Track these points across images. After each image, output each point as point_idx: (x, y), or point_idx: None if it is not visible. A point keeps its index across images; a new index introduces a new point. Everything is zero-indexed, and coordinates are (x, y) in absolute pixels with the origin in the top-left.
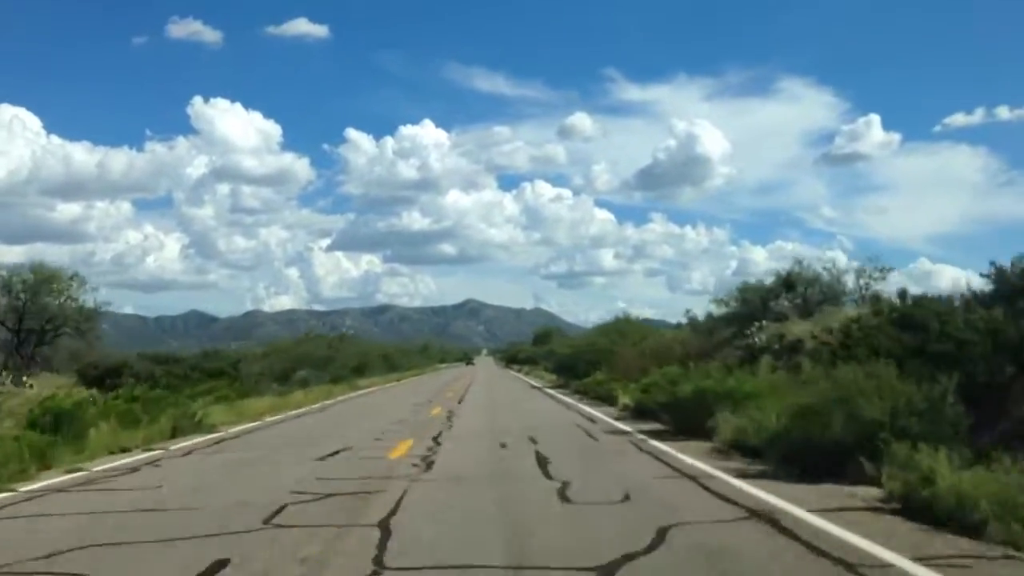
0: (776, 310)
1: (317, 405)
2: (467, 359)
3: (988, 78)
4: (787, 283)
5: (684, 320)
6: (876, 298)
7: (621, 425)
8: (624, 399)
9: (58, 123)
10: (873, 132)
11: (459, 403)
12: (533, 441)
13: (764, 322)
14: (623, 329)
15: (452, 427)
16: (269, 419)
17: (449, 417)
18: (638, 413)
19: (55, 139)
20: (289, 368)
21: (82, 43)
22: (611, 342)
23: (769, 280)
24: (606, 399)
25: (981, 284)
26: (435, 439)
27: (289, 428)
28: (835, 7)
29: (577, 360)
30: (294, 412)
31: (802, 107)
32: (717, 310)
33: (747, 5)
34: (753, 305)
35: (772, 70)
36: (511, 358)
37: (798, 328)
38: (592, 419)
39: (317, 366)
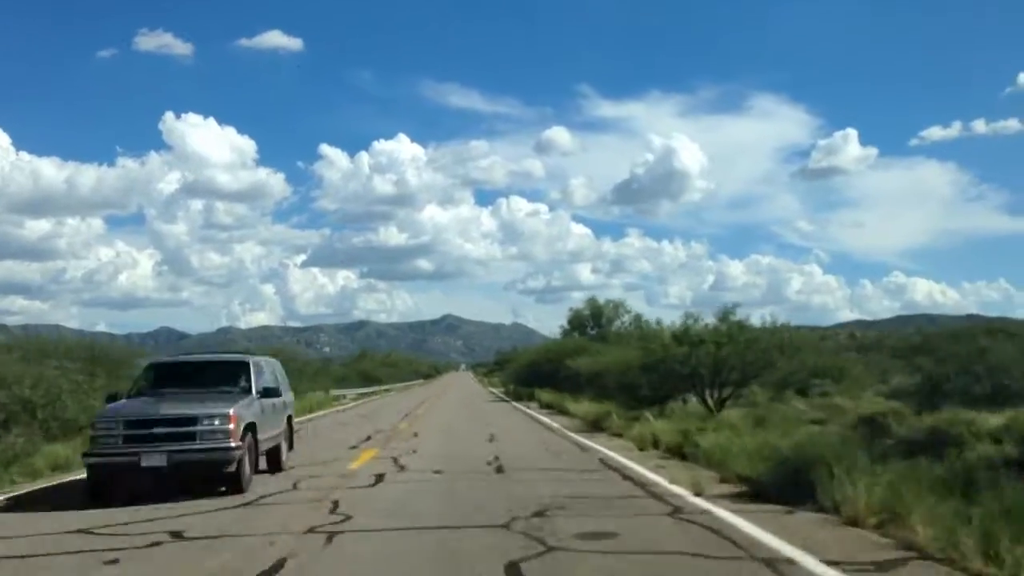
0: None
1: None
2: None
3: (964, 91)
4: None
5: None
6: None
7: None
8: None
9: (26, 139)
10: (850, 147)
11: None
12: None
13: None
14: None
15: None
16: None
17: None
18: None
19: (24, 155)
20: None
21: (47, 57)
22: None
23: None
24: None
25: None
26: None
27: None
28: (805, 25)
29: None
30: None
31: (775, 123)
32: None
33: (717, 23)
34: None
35: (744, 87)
36: (523, 378)
37: None
38: None
39: None
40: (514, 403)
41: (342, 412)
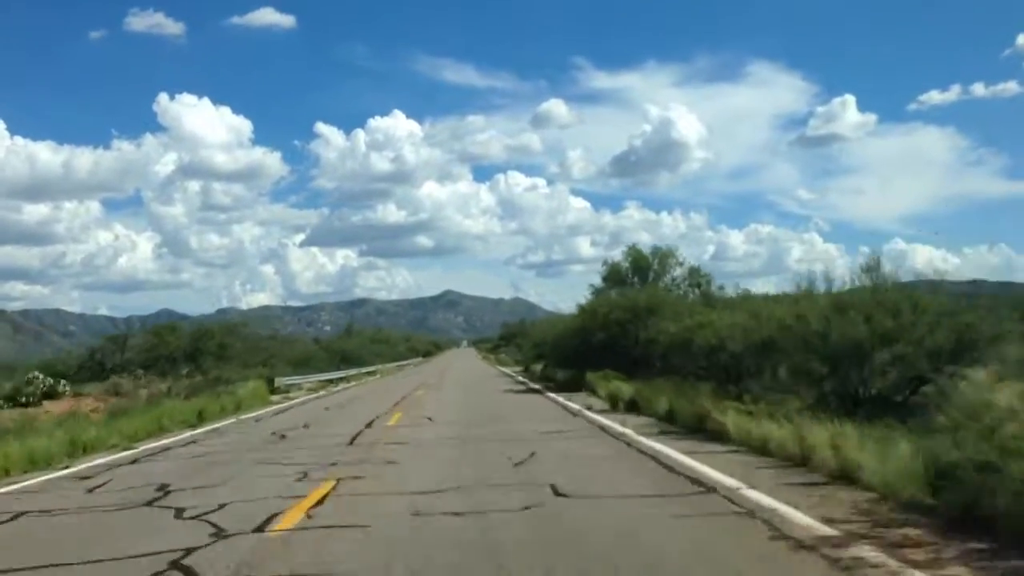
0: None
1: None
2: None
3: (963, 53)
4: None
5: None
6: None
7: None
8: None
9: (21, 124)
10: (848, 113)
11: None
12: None
13: None
14: None
15: None
16: None
17: None
18: None
19: (19, 140)
20: None
21: (39, 40)
22: None
23: None
24: None
25: None
26: None
27: None
28: None
29: None
30: None
31: (771, 91)
32: None
33: None
34: None
35: (740, 55)
36: (563, 356)
37: None
38: None
39: None
40: (552, 396)
41: (254, 423)
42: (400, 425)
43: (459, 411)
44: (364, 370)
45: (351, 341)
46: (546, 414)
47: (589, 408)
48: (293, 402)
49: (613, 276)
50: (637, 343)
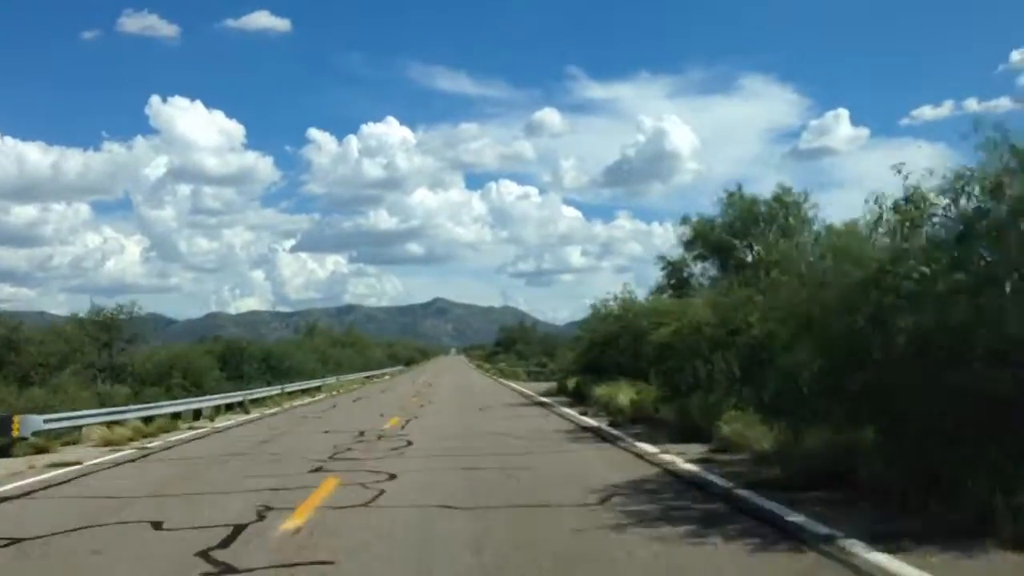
0: None
1: None
2: None
3: (956, 69)
4: None
5: None
6: None
7: None
8: None
9: (11, 124)
10: (841, 127)
11: None
12: None
13: None
14: None
15: None
16: None
17: None
18: None
19: (8, 140)
20: None
21: (30, 38)
22: None
23: None
24: None
25: None
26: None
27: None
28: (793, 4)
29: None
30: None
31: (764, 104)
32: None
33: (705, 4)
34: None
35: (733, 68)
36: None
37: None
38: None
39: None
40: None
41: None
42: None
43: None
44: (292, 388)
45: (308, 343)
46: None
47: None
48: None
49: (704, 238)
50: None
